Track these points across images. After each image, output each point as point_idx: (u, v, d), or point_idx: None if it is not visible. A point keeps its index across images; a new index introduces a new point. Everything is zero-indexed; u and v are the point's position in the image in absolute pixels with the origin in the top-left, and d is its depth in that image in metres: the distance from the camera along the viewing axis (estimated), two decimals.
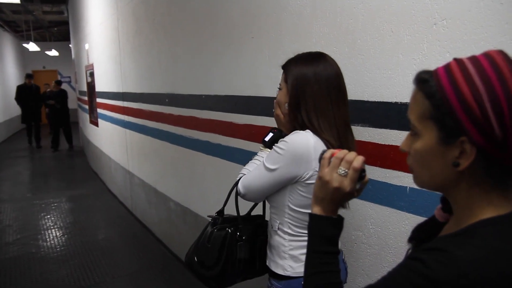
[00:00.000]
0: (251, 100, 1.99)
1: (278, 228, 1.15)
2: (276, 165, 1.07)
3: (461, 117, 0.52)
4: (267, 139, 1.22)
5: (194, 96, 2.58)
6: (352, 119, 1.17)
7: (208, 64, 2.37)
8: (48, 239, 3.79)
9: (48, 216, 4.46)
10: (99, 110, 5.53)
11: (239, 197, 1.22)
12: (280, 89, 1.17)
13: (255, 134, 1.97)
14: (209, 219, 1.34)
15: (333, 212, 0.72)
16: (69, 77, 13.66)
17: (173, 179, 3.15)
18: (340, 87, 1.09)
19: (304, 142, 1.04)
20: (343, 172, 0.69)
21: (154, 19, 3.09)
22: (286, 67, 1.14)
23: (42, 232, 3.98)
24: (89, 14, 5.66)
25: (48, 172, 6.98)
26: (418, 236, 0.69)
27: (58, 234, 3.92)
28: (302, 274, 0.76)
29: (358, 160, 0.69)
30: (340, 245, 1.06)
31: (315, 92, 1.06)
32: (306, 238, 0.74)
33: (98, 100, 5.50)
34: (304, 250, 0.75)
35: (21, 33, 11.99)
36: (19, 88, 8.86)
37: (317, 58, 1.10)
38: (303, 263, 0.74)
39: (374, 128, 1.32)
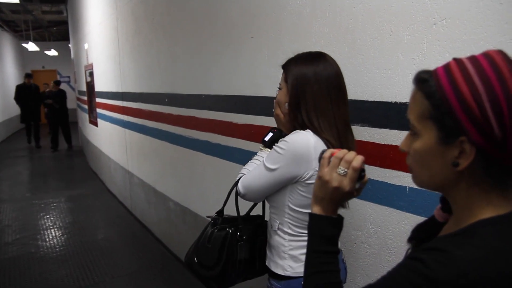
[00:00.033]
0: (251, 99, 1.99)
1: (278, 228, 1.15)
2: (276, 164, 1.07)
3: (460, 116, 0.52)
4: (266, 138, 1.22)
5: (193, 96, 2.58)
6: (352, 119, 1.17)
7: (208, 64, 2.37)
8: (47, 239, 3.78)
9: (48, 216, 4.46)
10: (99, 110, 5.53)
11: (238, 197, 1.22)
12: (280, 88, 1.17)
13: (255, 134, 1.97)
14: (209, 219, 1.34)
15: (333, 212, 0.73)
16: (68, 76, 13.66)
17: (173, 179, 3.15)
18: (340, 86, 1.09)
19: (305, 141, 1.04)
20: (342, 171, 0.69)
21: (153, 18, 3.09)
22: (286, 66, 1.14)
23: (42, 232, 3.98)
24: (88, 14, 5.65)
25: (48, 172, 6.97)
26: (417, 236, 0.69)
27: (57, 234, 3.92)
28: (302, 274, 0.76)
29: (357, 159, 0.69)
30: (339, 245, 1.06)
31: (315, 92, 1.06)
32: (306, 238, 0.74)
33: (98, 100, 5.49)
34: (304, 250, 0.75)
35: (20, 33, 11.98)
36: (18, 88, 8.85)
37: (317, 58, 1.10)
38: (303, 263, 0.74)
39: (373, 128, 1.32)
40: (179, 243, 3.15)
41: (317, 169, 1.01)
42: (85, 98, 6.73)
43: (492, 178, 0.54)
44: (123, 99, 4.17)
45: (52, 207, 4.79)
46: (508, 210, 0.55)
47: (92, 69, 5.66)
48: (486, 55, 0.53)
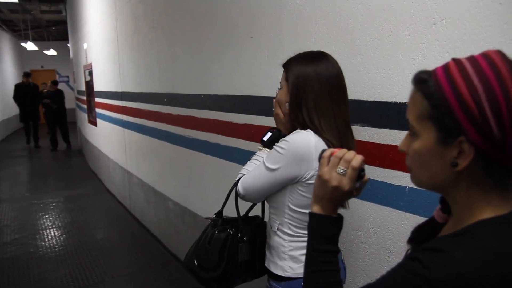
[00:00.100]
0: (250, 99, 1.99)
1: (278, 229, 1.14)
2: (277, 164, 1.06)
3: (459, 116, 0.52)
4: (265, 138, 1.22)
5: (193, 96, 2.58)
6: (351, 119, 1.16)
7: (207, 64, 2.36)
8: (46, 239, 3.78)
9: (47, 216, 4.45)
10: (98, 110, 5.52)
11: (238, 197, 1.21)
12: (280, 88, 1.16)
13: (254, 133, 1.97)
14: (208, 221, 1.33)
15: (333, 211, 0.73)
16: (67, 76, 13.64)
17: (172, 178, 3.15)
18: (341, 86, 1.09)
19: (305, 141, 1.04)
20: (342, 171, 0.69)
21: (153, 18, 3.09)
22: (287, 65, 1.13)
23: (41, 232, 3.98)
24: (88, 14, 5.65)
25: (47, 171, 6.96)
26: (417, 237, 0.69)
27: (56, 234, 3.92)
28: (302, 275, 0.76)
29: (357, 159, 0.69)
30: (339, 245, 1.06)
31: (316, 91, 1.06)
32: (306, 239, 0.74)
33: (97, 99, 5.49)
34: (304, 251, 0.75)
35: (19, 32, 11.96)
36: (17, 87, 8.83)
37: (319, 57, 1.10)
38: (303, 264, 0.74)
39: (373, 128, 1.32)
40: (179, 243, 3.15)
41: (317, 168, 1.01)
42: (84, 98, 6.72)
43: (491, 178, 0.54)
44: (122, 99, 4.16)
45: (51, 207, 4.79)
46: (507, 210, 0.55)
47: (91, 68, 5.65)
48: (485, 55, 0.53)
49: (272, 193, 1.13)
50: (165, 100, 3.01)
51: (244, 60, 2.01)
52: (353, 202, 1.36)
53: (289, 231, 1.13)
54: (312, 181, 1.04)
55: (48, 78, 10.64)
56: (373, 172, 1.31)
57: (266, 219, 1.30)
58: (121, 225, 4.10)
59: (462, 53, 0.60)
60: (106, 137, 5.20)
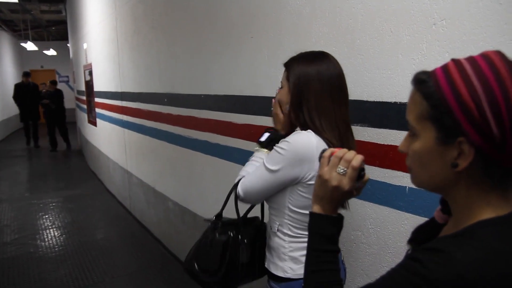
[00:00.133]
0: (250, 99, 1.99)
1: (278, 230, 1.14)
2: (278, 166, 1.06)
3: (459, 117, 0.52)
4: (262, 139, 1.21)
5: (193, 96, 2.58)
6: (351, 119, 1.16)
7: (207, 64, 2.36)
8: (46, 239, 3.78)
9: (47, 216, 4.45)
10: (98, 110, 5.52)
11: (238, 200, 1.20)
12: (281, 87, 1.16)
13: (254, 133, 1.97)
14: (207, 223, 1.31)
15: (333, 211, 0.73)
16: (67, 76, 13.63)
17: (172, 178, 3.15)
18: (342, 87, 1.09)
19: (307, 142, 1.03)
20: (342, 170, 0.69)
21: (153, 18, 3.09)
22: (289, 65, 1.13)
23: (40, 232, 3.97)
24: (87, 14, 5.65)
25: (47, 171, 6.96)
26: (418, 238, 0.69)
27: (56, 234, 3.92)
28: (302, 276, 0.76)
29: (357, 159, 0.69)
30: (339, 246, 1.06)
31: (317, 91, 1.05)
32: (306, 239, 0.74)
33: (97, 99, 5.48)
34: (304, 252, 0.75)
35: (19, 32, 11.95)
36: (17, 87, 8.82)
37: (320, 57, 1.10)
38: (304, 264, 0.74)
39: (373, 128, 1.32)
40: (178, 243, 3.15)
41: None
42: (84, 98, 6.72)
43: (491, 178, 0.54)
44: (122, 99, 4.16)
45: (51, 207, 4.79)
46: (507, 211, 0.55)
47: (91, 68, 5.65)
48: (484, 55, 0.53)
49: (272, 194, 1.12)
50: (165, 100, 3.01)
51: (244, 60, 2.01)
52: (353, 202, 1.36)
53: (289, 232, 1.12)
54: (313, 182, 1.04)
55: (48, 78, 10.62)
56: (373, 172, 1.31)
57: (265, 219, 1.30)
58: (121, 225, 4.10)
59: (462, 53, 0.60)
60: (106, 137, 5.20)
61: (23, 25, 10.95)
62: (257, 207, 1.34)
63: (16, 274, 3.07)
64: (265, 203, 1.24)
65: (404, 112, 0.62)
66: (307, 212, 0.78)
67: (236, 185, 1.18)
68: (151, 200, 3.63)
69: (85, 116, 6.94)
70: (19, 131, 11.14)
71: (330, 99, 1.06)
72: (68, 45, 10.07)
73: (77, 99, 8.36)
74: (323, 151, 0.73)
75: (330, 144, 1.04)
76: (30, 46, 10.85)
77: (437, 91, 0.54)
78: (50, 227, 4.11)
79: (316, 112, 1.06)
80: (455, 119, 0.52)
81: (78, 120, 8.81)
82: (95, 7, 5.05)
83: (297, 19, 1.60)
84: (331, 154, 0.71)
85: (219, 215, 1.30)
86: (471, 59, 0.54)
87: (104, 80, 4.96)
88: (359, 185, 0.73)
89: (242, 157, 2.01)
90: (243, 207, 1.30)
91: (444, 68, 0.55)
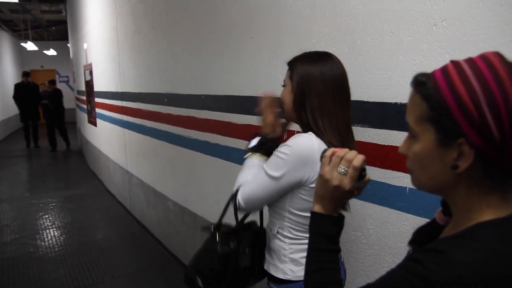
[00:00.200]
0: (250, 100, 1.99)
1: (278, 232, 1.13)
2: (281, 171, 1.04)
3: (458, 118, 0.52)
4: (252, 145, 1.21)
5: (193, 96, 2.58)
6: (352, 120, 1.16)
7: (207, 64, 2.37)
8: (46, 239, 3.78)
9: (47, 216, 4.45)
10: (98, 110, 5.52)
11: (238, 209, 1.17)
12: (284, 85, 1.15)
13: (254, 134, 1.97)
14: (206, 231, 1.28)
15: (334, 210, 0.73)
16: (67, 76, 13.63)
17: (172, 179, 3.15)
18: (344, 88, 1.08)
19: (308, 144, 1.02)
20: (343, 170, 0.69)
21: (153, 18, 3.09)
22: (292, 64, 1.12)
23: (40, 232, 3.97)
24: (88, 14, 5.65)
25: (46, 171, 6.96)
26: (418, 239, 0.69)
27: (56, 234, 3.91)
28: (302, 278, 0.76)
29: (358, 159, 0.69)
30: None
31: (321, 92, 1.05)
32: (306, 241, 0.74)
33: (97, 99, 5.48)
34: (305, 254, 0.75)
35: (19, 32, 11.95)
36: (17, 87, 8.81)
37: (324, 58, 1.09)
38: (304, 266, 0.74)
39: (373, 129, 1.32)
40: (178, 243, 3.15)
41: None
42: (84, 98, 6.72)
43: (491, 180, 0.54)
44: (122, 99, 4.16)
45: (51, 207, 4.79)
46: (507, 212, 0.55)
47: (91, 69, 5.65)
48: (483, 57, 0.53)
49: (275, 200, 1.11)
50: (165, 100, 3.01)
51: (244, 60, 2.01)
52: (354, 203, 1.36)
53: (289, 234, 1.11)
54: (314, 185, 1.03)
55: (48, 78, 10.62)
56: (374, 173, 1.31)
57: (264, 220, 1.29)
58: (121, 225, 4.10)
59: (462, 54, 0.60)
60: (106, 137, 5.20)
61: (23, 25, 10.95)
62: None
63: (16, 274, 3.07)
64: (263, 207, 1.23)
65: (405, 113, 0.62)
66: (308, 214, 0.78)
67: (235, 195, 1.15)
68: (151, 200, 3.63)
69: (85, 116, 6.94)
70: (19, 131, 11.13)
71: (332, 99, 1.05)
72: (68, 45, 10.07)
73: (77, 99, 8.36)
74: (325, 150, 0.74)
75: (330, 146, 1.03)
76: (30, 46, 10.85)
77: (436, 93, 0.54)
78: (50, 227, 4.11)
79: (319, 113, 1.05)
80: (455, 121, 0.52)
81: (78, 120, 8.80)
82: (95, 7, 5.05)
83: (297, 19, 1.60)
84: (333, 154, 0.71)
85: (218, 226, 1.26)
86: (470, 61, 0.54)
87: (104, 80, 4.96)
88: (360, 185, 0.73)
89: (242, 158, 2.01)
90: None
91: (443, 70, 0.55)
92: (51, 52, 12.36)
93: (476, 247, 0.51)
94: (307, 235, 0.75)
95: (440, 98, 0.54)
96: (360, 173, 0.70)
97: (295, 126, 1.23)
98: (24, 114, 8.87)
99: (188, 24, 2.53)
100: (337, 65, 1.08)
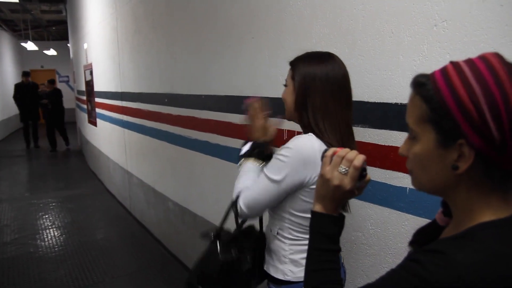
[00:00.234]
0: None
1: (278, 233, 1.13)
2: (282, 174, 1.03)
3: (458, 119, 0.52)
4: (245, 151, 1.20)
5: (193, 96, 2.58)
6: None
7: (208, 64, 2.37)
8: (46, 238, 3.78)
9: (47, 216, 4.45)
10: (98, 110, 5.52)
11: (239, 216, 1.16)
12: (285, 85, 1.14)
13: None
14: (206, 238, 1.27)
15: (334, 210, 0.73)
16: (67, 76, 13.64)
17: (172, 179, 3.15)
18: (346, 88, 1.08)
19: (309, 145, 1.02)
20: (343, 170, 0.69)
21: (153, 18, 3.09)
22: (295, 64, 1.11)
23: (40, 231, 3.97)
24: (88, 14, 5.65)
25: (46, 171, 6.96)
26: (419, 240, 0.69)
27: (56, 233, 3.92)
28: (302, 279, 0.76)
29: (358, 158, 0.69)
30: None
31: (322, 92, 1.05)
32: (306, 242, 0.74)
33: (97, 99, 5.48)
34: (305, 255, 0.75)
35: (19, 32, 11.95)
36: (17, 87, 8.81)
37: (326, 58, 1.09)
38: (304, 267, 0.74)
39: (374, 129, 1.32)
40: (178, 243, 3.15)
41: None
42: (84, 98, 6.72)
43: (491, 181, 0.54)
44: (122, 99, 4.16)
45: (51, 207, 4.79)
46: (508, 213, 0.55)
47: (91, 69, 5.65)
48: (483, 58, 0.53)
49: (277, 204, 1.10)
50: (165, 100, 3.01)
51: (244, 60, 2.01)
52: (354, 203, 1.36)
53: (289, 236, 1.11)
54: (315, 186, 1.03)
55: (48, 78, 10.62)
56: (374, 173, 1.31)
57: (264, 224, 1.28)
58: (121, 225, 4.10)
59: (463, 55, 0.60)
60: (106, 137, 5.20)
61: (23, 25, 10.95)
62: None
63: (16, 274, 3.07)
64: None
65: (405, 113, 0.62)
66: (308, 215, 0.78)
67: (235, 202, 1.13)
68: (151, 200, 3.63)
69: (85, 116, 6.94)
70: (19, 131, 11.12)
71: (334, 100, 1.05)
72: (68, 45, 10.07)
73: (77, 99, 8.36)
74: (325, 150, 0.74)
75: (330, 147, 1.03)
76: (30, 46, 10.85)
77: (436, 94, 0.54)
78: (50, 227, 4.11)
79: (320, 114, 1.04)
80: (455, 122, 0.52)
81: (78, 120, 8.80)
82: (95, 7, 5.05)
83: (298, 19, 1.60)
84: (334, 154, 0.71)
85: (218, 234, 1.24)
86: (469, 62, 0.54)
87: (104, 80, 4.96)
88: (361, 185, 0.73)
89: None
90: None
91: (443, 71, 0.55)
92: (51, 52, 12.36)
93: (477, 248, 0.51)
94: (307, 236, 0.75)
95: (440, 99, 0.54)
96: (361, 173, 0.70)
97: (295, 127, 1.23)
98: (24, 114, 8.86)
99: (188, 24, 2.53)
100: (340, 66, 1.08)
